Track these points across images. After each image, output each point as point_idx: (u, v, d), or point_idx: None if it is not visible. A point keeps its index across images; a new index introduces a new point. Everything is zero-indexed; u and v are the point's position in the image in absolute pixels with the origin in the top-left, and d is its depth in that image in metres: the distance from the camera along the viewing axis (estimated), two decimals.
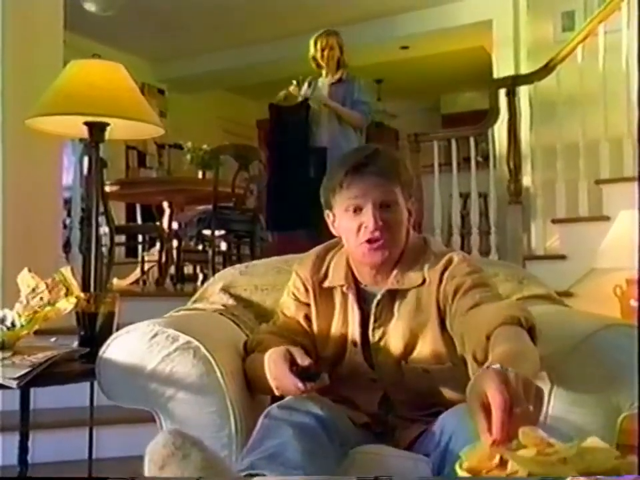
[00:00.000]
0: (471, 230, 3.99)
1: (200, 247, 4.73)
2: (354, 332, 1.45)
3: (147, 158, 7.09)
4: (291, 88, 4.23)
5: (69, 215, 3.60)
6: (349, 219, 1.39)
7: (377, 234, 1.36)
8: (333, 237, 1.53)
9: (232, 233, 4.43)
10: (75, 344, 1.62)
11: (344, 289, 1.46)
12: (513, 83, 3.89)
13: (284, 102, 4.27)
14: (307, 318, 1.52)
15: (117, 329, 1.54)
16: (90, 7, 5.26)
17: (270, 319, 1.63)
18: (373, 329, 1.43)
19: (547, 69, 3.77)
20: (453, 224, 4.03)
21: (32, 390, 1.76)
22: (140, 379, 1.40)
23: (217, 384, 1.38)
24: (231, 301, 1.76)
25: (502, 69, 5.00)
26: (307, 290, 1.52)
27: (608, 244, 3.18)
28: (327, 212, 1.48)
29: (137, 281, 4.90)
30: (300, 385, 1.26)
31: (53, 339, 1.68)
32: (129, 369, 1.40)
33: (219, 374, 1.39)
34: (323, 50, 4.10)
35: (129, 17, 5.67)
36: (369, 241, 1.37)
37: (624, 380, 1.25)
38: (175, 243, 4.57)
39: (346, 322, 1.47)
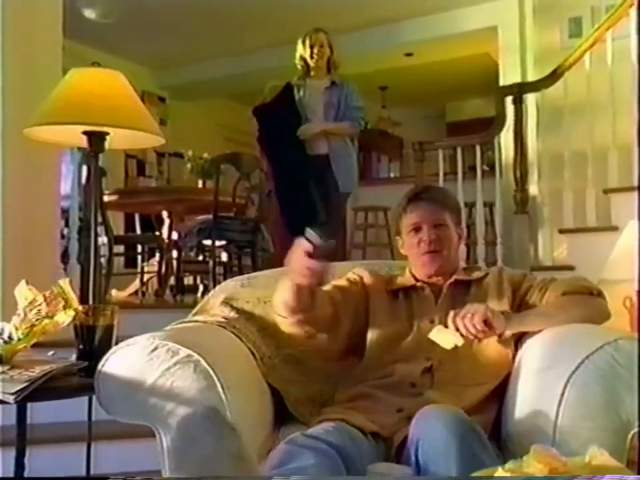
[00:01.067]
0: (476, 240, 3.99)
1: (200, 258, 4.74)
2: (431, 310, 1.70)
3: (146, 167, 7.11)
4: (274, 83, 4.10)
5: (66, 224, 3.61)
6: (411, 238, 1.76)
7: (432, 246, 1.72)
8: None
9: (233, 243, 4.43)
10: (73, 357, 1.61)
11: (417, 284, 1.76)
12: (519, 91, 3.90)
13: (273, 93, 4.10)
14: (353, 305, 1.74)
15: (116, 342, 1.54)
16: (89, 13, 5.31)
17: (273, 332, 1.63)
18: (439, 312, 1.67)
19: (554, 76, 3.78)
20: None
21: (29, 404, 1.76)
22: (139, 394, 1.40)
23: (218, 399, 1.38)
24: (232, 314, 1.77)
25: (508, 75, 5.01)
26: (363, 287, 1.78)
27: (617, 255, 3.18)
28: (396, 237, 1.85)
29: (136, 292, 4.91)
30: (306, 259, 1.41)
31: (50, 353, 1.68)
32: (128, 383, 1.40)
33: (220, 388, 1.39)
34: (312, 47, 3.94)
35: (129, 23, 5.71)
36: (427, 252, 1.73)
37: (633, 395, 1.25)
38: (174, 253, 4.57)
39: (408, 315, 1.72)
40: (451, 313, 1.54)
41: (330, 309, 1.67)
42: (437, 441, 1.22)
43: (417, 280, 1.78)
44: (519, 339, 1.62)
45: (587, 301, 1.62)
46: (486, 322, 1.50)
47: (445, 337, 1.52)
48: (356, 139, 4.20)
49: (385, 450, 1.44)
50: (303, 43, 3.97)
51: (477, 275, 1.77)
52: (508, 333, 1.58)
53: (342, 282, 1.78)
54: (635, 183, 3.38)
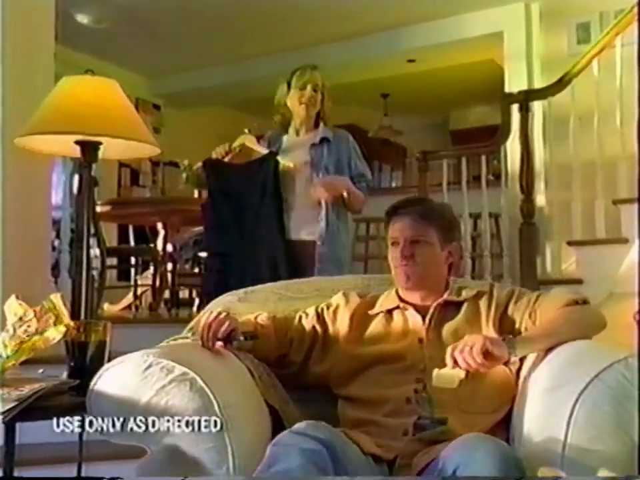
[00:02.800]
0: (482, 253, 3.99)
1: (196, 270, 4.73)
2: (418, 330, 1.72)
3: (140, 176, 7.11)
4: (244, 138, 3.00)
5: (57, 236, 3.62)
6: (391, 250, 1.80)
7: (404, 262, 1.75)
8: None
9: None
10: (64, 375, 1.61)
11: (401, 305, 1.78)
12: (525, 98, 3.90)
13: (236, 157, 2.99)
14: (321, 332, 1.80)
15: (109, 359, 1.54)
16: (82, 18, 5.33)
17: None
18: (427, 332, 1.70)
19: (561, 84, 3.79)
20: (463, 246, 4.03)
21: (18, 424, 1.75)
22: (133, 413, 1.39)
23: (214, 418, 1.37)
24: None
25: (514, 83, 5.02)
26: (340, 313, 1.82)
27: (627, 267, 3.18)
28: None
29: (129, 307, 4.90)
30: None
31: (40, 370, 1.67)
32: (122, 402, 1.40)
33: (217, 408, 1.38)
34: (303, 89, 2.88)
35: (124, 29, 5.73)
36: (400, 266, 1.76)
37: None
38: (169, 266, 4.58)
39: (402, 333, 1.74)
40: (449, 349, 1.52)
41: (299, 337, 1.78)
42: (480, 473, 1.22)
43: (401, 300, 1.79)
44: (521, 358, 1.62)
45: (581, 311, 1.65)
46: (487, 352, 1.48)
47: (447, 377, 1.50)
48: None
49: (387, 471, 1.44)
50: (289, 83, 2.93)
51: (465, 294, 1.77)
52: (514, 359, 1.58)
53: (306, 319, 1.82)
54: None
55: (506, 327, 1.68)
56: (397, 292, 1.83)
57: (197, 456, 1.38)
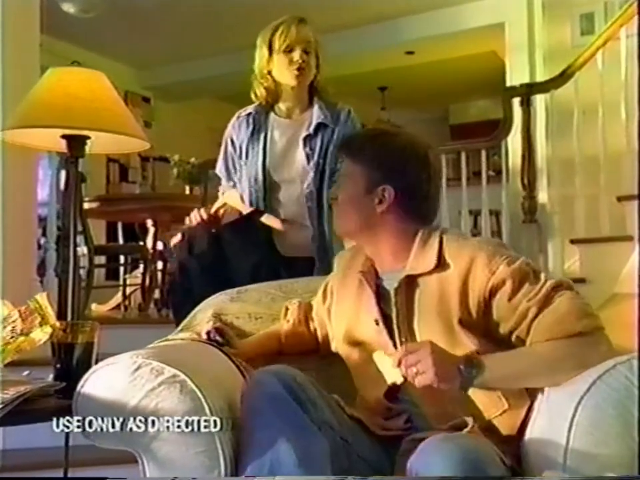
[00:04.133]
0: None
1: None
2: (372, 311, 1.54)
3: (129, 172, 7.12)
4: (227, 198, 2.38)
5: (43, 234, 3.61)
6: None
7: None
8: None
9: None
10: (50, 378, 1.61)
11: (360, 276, 1.58)
12: (527, 92, 3.92)
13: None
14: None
15: (96, 361, 1.53)
16: (69, 7, 5.31)
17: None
18: (397, 317, 1.50)
19: (564, 76, 3.81)
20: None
21: (2, 429, 1.75)
22: (121, 416, 1.39)
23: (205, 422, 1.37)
24: None
25: (516, 75, 5.03)
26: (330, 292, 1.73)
27: (632, 266, 3.18)
28: None
29: (117, 307, 4.90)
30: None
31: (25, 373, 1.67)
32: (110, 405, 1.40)
33: (207, 410, 1.38)
34: (291, 50, 2.27)
35: (112, 19, 5.72)
36: None
37: None
38: (159, 264, 4.57)
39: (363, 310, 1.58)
40: (401, 349, 1.40)
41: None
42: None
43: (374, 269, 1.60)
44: None
45: (581, 348, 1.37)
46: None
47: (386, 368, 1.40)
48: None
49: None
50: (270, 42, 2.29)
51: (427, 263, 1.48)
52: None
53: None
54: None
55: (488, 320, 1.43)
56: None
57: (187, 461, 1.38)
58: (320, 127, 2.30)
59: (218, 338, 1.67)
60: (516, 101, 3.90)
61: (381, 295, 1.55)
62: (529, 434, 1.41)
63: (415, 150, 1.57)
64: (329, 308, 1.72)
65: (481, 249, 1.46)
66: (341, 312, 1.66)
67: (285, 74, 2.28)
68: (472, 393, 1.41)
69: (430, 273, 1.48)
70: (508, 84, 4.93)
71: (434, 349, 1.34)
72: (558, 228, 3.83)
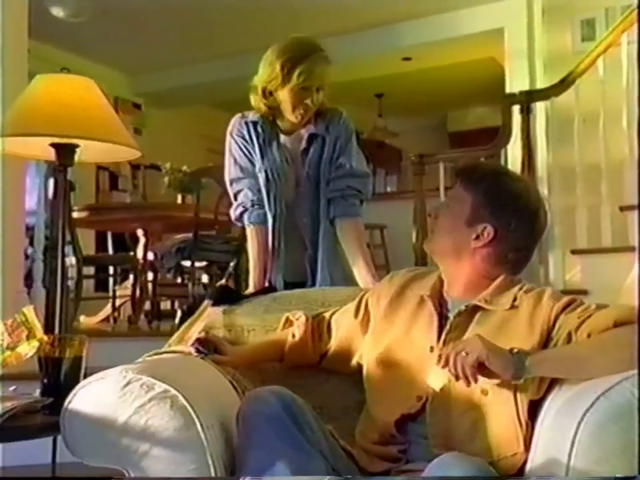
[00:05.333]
0: None
1: (179, 280, 4.72)
2: (430, 334, 1.57)
3: (119, 180, 7.11)
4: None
5: (31, 244, 3.60)
6: None
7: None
8: None
9: (214, 264, 4.42)
10: (37, 393, 1.60)
11: (426, 298, 1.62)
12: (527, 99, 3.93)
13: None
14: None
15: (85, 376, 1.53)
16: (58, 12, 5.32)
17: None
18: (445, 340, 1.54)
19: (564, 83, 3.82)
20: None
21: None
22: (110, 433, 1.39)
23: (197, 438, 1.37)
24: None
25: (515, 82, 5.05)
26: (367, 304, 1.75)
27: (634, 278, 3.19)
28: None
29: (107, 319, 4.89)
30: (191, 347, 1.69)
31: (12, 388, 1.67)
32: (98, 421, 1.39)
33: (199, 427, 1.38)
34: (305, 89, 2.18)
35: (101, 24, 5.72)
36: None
37: None
38: (150, 275, 4.56)
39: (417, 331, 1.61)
40: (448, 346, 1.46)
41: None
42: None
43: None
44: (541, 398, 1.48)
45: (633, 334, 1.38)
46: (483, 364, 1.37)
47: (434, 374, 1.44)
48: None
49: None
50: (288, 74, 2.18)
51: (503, 303, 1.56)
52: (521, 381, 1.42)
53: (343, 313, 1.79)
54: None
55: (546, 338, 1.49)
56: (439, 276, 1.68)
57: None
58: (312, 138, 2.28)
59: (200, 348, 1.68)
60: (515, 108, 3.91)
61: (442, 316, 1.59)
62: (533, 450, 1.41)
63: (529, 201, 1.64)
64: (366, 323, 1.73)
65: (547, 289, 1.60)
66: (385, 330, 1.66)
67: (289, 110, 2.23)
68: (495, 426, 1.44)
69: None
70: (507, 91, 4.95)
71: (483, 338, 1.41)
72: (559, 238, 3.84)
